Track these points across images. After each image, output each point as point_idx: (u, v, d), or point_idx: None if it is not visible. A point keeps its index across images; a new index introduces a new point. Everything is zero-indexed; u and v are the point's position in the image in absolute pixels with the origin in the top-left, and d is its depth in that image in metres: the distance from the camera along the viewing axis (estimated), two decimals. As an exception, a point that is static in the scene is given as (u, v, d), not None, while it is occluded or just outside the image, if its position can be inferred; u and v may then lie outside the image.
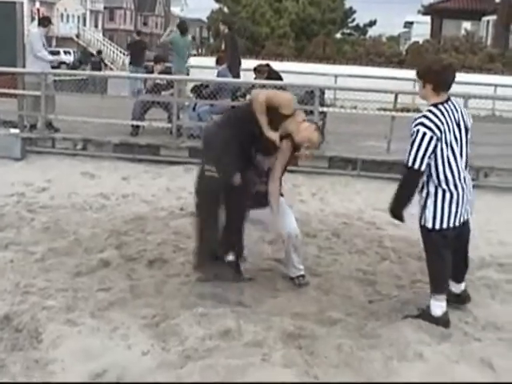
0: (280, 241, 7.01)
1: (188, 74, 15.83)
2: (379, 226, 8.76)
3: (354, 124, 14.53)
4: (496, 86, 19.39)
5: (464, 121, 5.51)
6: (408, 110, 16.46)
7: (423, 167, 5.38)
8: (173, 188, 10.34)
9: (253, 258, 6.91)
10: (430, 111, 5.39)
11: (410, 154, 5.39)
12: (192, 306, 5.63)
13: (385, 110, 14.33)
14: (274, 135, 6.00)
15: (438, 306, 5.56)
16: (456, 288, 5.96)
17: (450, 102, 5.49)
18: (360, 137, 13.42)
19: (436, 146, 5.34)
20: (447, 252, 5.56)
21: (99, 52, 44.70)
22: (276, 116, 6.02)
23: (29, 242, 7.30)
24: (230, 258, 6.40)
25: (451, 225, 5.49)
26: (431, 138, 5.31)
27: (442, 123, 5.33)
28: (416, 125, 5.37)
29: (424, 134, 5.32)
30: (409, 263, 7.25)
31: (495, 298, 6.34)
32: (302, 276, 6.47)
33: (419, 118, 5.40)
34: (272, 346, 5.00)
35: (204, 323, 5.32)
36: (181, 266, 6.70)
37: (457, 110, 5.47)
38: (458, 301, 5.97)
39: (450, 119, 5.39)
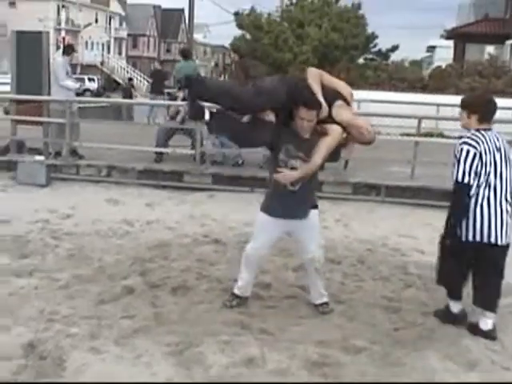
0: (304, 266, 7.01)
1: None
2: (404, 253, 8.71)
3: (377, 149, 14.45)
4: (520, 110, 19.29)
5: (505, 149, 5.85)
6: (432, 135, 16.46)
7: (472, 181, 5.75)
8: (196, 214, 10.34)
9: (277, 285, 6.90)
10: (473, 134, 5.83)
11: (457, 170, 5.76)
12: (216, 333, 5.62)
13: (408, 135, 14.31)
14: (323, 104, 5.78)
15: (455, 306, 6.16)
16: (473, 316, 6.12)
17: (491, 131, 5.89)
18: (384, 162, 13.38)
19: (478, 164, 5.72)
20: (464, 263, 5.99)
21: (130, 79, 45.22)
22: (332, 95, 5.89)
23: (53, 269, 7.32)
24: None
25: (477, 239, 5.83)
26: (475, 155, 5.70)
27: (483, 142, 5.74)
28: (460, 144, 5.78)
29: (468, 151, 5.72)
30: (434, 290, 7.15)
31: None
32: (326, 303, 6.43)
33: (463, 138, 5.83)
34: (296, 374, 4.98)
35: (228, 351, 5.31)
36: (204, 293, 6.69)
37: (497, 139, 5.85)
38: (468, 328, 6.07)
39: (491, 142, 5.78)
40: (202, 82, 6.09)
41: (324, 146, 5.82)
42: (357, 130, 5.90)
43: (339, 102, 5.90)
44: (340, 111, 5.87)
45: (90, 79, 56.36)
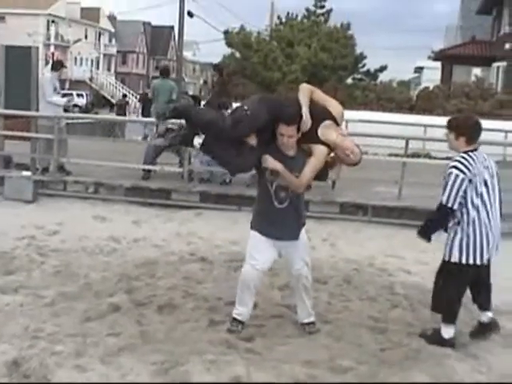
0: (290, 285, 7.01)
1: None
2: (391, 273, 8.73)
3: (364, 169, 14.50)
4: (506, 132, 19.42)
5: (492, 167, 6.09)
6: (419, 156, 16.50)
7: (456, 206, 5.95)
8: (183, 232, 10.33)
9: (263, 304, 6.89)
10: (462, 157, 5.97)
11: (444, 193, 5.97)
12: (202, 352, 5.60)
13: (396, 155, 14.36)
14: (307, 116, 5.77)
15: (447, 332, 6.16)
16: (484, 316, 6.36)
17: (478, 151, 6.06)
18: (371, 182, 13.41)
19: (467, 187, 5.91)
20: (464, 286, 6.25)
21: (124, 96, 45.25)
22: (320, 112, 5.88)
23: (39, 286, 7.28)
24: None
25: (477, 261, 6.04)
26: (463, 180, 5.88)
27: (472, 165, 5.91)
28: (450, 167, 5.95)
29: (456, 175, 5.89)
30: (420, 311, 7.19)
31: (509, 348, 6.26)
32: (313, 323, 6.41)
33: (453, 162, 6.00)
34: (282, 394, 4.96)
35: (214, 370, 5.29)
36: (191, 312, 6.67)
37: (485, 159, 6.07)
38: (486, 330, 6.34)
39: (480, 163, 5.96)
40: (186, 114, 6.08)
41: (308, 167, 5.81)
42: (342, 152, 5.88)
43: (327, 122, 5.88)
44: (327, 131, 5.86)
45: (78, 95, 56.24)
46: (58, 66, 13.94)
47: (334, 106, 6.04)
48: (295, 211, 6.10)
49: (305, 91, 5.98)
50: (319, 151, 5.84)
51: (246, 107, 5.88)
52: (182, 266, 8.40)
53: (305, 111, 5.82)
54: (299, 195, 6.07)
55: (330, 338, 6.22)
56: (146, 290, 7.30)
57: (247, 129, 5.86)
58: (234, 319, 6.28)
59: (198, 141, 5.92)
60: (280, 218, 6.01)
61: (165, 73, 14.93)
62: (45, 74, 14.50)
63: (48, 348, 5.53)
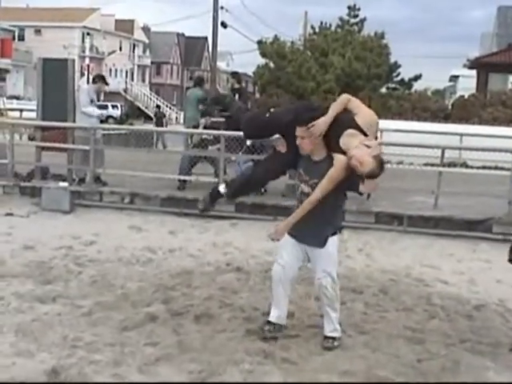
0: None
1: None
2: (427, 283, 8.66)
3: (400, 179, 14.48)
4: (544, 140, 19.22)
5: None
6: (455, 165, 16.37)
7: None
8: (219, 243, 10.36)
9: (299, 314, 6.88)
10: None
11: None
12: (238, 362, 5.60)
13: (431, 165, 14.28)
14: (323, 120, 5.77)
15: None
16: None
17: None
18: (406, 192, 13.33)
19: None
20: None
21: (158, 107, 45.58)
22: (345, 121, 5.79)
23: (76, 296, 7.34)
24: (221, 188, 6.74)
25: None
26: None
27: None
28: None
29: None
30: (458, 321, 7.14)
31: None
32: (333, 338, 6.21)
33: None
34: (319, 404, 4.94)
35: (250, 380, 5.31)
36: (227, 322, 6.68)
37: None
38: None
39: None
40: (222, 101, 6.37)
41: (326, 178, 5.77)
42: (351, 161, 5.69)
43: (350, 131, 5.74)
44: (348, 140, 5.72)
45: (113, 106, 56.70)
46: (97, 79, 14.08)
47: (363, 114, 5.88)
48: (321, 217, 5.99)
49: (341, 99, 5.96)
50: (338, 161, 5.75)
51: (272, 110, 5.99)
52: (217, 276, 8.41)
53: (325, 116, 5.79)
54: (328, 202, 5.92)
55: (367, 348, 6.19)
56: (182, 299, 7.33)
57: (261, 125, 6.06)
58: (268, 322, 6.30)
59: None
60: (302, 222, 5.97)
61: (197, 82, 15.19)
62: (81, 85, 14.64)
63: (86, 357, 5.57)
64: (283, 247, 6.24)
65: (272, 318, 6.29)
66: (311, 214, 5.92)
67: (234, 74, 15.73)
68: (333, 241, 6.15)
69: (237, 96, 14.72)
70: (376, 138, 6.11)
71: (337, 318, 6.27)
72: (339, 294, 6.31)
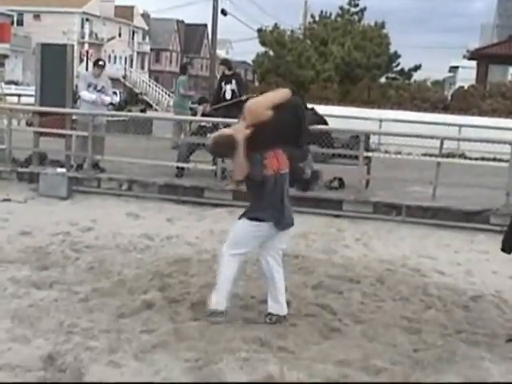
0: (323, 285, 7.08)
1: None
2: (424, 274, 8.66)
3: (398, 169, 14.48)
4: (543, 132, 19.19)
5: None
6: (454, 156, 16.37)
7: None
8: (216, 230, 10.34)
9: (296, 303, 6.88)
10: None
11: None
12: (235, 350, 5.59)
13: (430, 155, 14.27)
14: None
15: None
16: None
17: None
18: (405, 182, 13.34)
19: None
20: None
21: (142, 110, 45.48)
22: None
23: (73, 282, 7.34)
24: None
25: None
26: None
27: None
28: None
29: None
30: (454, 312, 7.14)
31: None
32: (271, 315, 6.45)
33: None
34: (315, 393, 4.94)
35: (247, 368, 5.28)
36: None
37: None
38: None
39: None
40: None
41: None
42: None
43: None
44: None
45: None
46: (94, 63, 14.15)
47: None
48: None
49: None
50: None
51: None
52: (214, 264, 8.34)
53: None
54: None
55: (364, 338, 6.19)
56: (179, 287, 7.32)
57: None
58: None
59: None
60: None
61: (181, 69, 15.68)
62: (80, 71, 14.63)
63: (82, 343, 5.56)
64: None
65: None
66: None
67: (224, 61, 15.88)
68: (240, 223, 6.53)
69: (233, 82, 14.68)
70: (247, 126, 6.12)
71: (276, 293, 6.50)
72: None
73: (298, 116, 6.22)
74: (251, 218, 6.41)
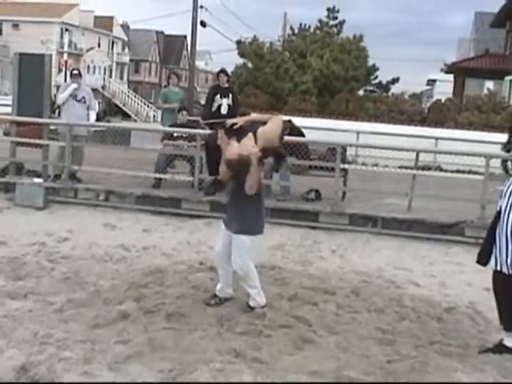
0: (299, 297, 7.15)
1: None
2: (399, 285, 8.72)
3: (375, 181, 14.55)
4: (518, 145, 19.34)
5: None
6: (429, 169, 16.46)
7: None
8: (193, 241, 10.35)
9: (271, 314, 6.90)
10: None
11: None
12: (209, 361, 5.61)
13: (406, 167, 14.34)
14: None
15: (511, 341, 6.28)
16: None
17: None
18: (381, 194, 13.41)
19: None
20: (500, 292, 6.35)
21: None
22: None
23: (48, 292, 7.32)
24: None
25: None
26: None
27: None
28: None
29: None
30: (428, 323, 7.19)
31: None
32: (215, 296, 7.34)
33: None
34: (288, 404, 4.96)
35: (221, 379, 5.31)
36: (199, 321, 6.68)
37: None
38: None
39: None
40: None
41: None
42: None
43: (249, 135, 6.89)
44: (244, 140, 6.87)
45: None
46: (70, 73, 14.20)
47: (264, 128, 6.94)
48: (234, 206, 7.26)
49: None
50: None
51: None
52: (190, 275, 8.41)
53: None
54: (239, 193, 7.01)
55: (338, 348, 6.22)
56: (154, 298, 7.32)
57: None
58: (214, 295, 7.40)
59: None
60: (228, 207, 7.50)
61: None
62: (58, 81, 14.64)
63: (56, 354, 5.55)
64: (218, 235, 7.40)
65: (216, 291, 7.35)
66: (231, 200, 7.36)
67: (224, 71, 15.45)
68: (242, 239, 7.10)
69: (230, 96, 14.53)
70: (262, 150, 6.84)
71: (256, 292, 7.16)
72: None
73: None
74: (254, 234, 7.17)
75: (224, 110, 14.33)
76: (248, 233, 7.08)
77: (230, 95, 14.56)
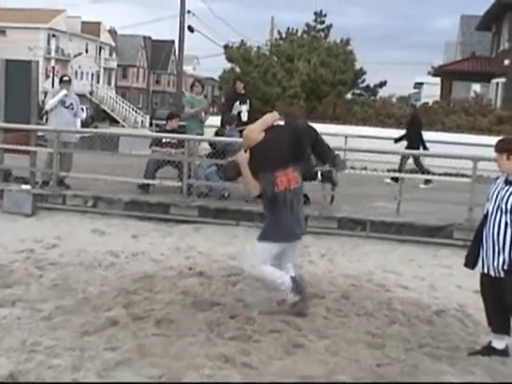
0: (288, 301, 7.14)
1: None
2: (388, 289, 8.73)
3: (363, 185, 14.59)
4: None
5: None
6: (417, 172, 16.50)
7: None
8: (182, 247, 10.34)
9: (261, 319, 6.89)
10: None
11: None
12: (198, 366, 5.60)
13: (394, 171, 14.39)
14: None
15: (498, 342, 6.34)
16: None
17: None
18: (369, 198, 13.41)
19: None
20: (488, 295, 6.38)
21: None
22: None
23: (37, 300, 7.29)
24: None
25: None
26: None
27: None
28: None
29: None
30: (418, 326, 7.20)
31: (508, 365, 6.25)
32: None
33: None
34: (278, 409, 4.95)
35: (210, 385, 5.29)
36: (188, 327, 6.67)
37: None
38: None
39: None
40: None
41: None
42: None
43: None
44: None
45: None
46: (60, 80, 14.22)
47: None
48: None
49: None
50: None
51: None
52: (180, 281, 8.39)
53: None
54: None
55: (327, 353, 6.22)
56: (143, 304, 7.30)
57: None
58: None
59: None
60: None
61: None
62: (45, 87, 14.61)
63: (45, 362, 5.53)
64: None
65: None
66: None
67: (239, 79, 15.39)
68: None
69: (248, 102, 14.42)
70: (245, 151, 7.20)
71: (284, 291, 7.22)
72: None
73: (297, 135, 7.19)
74: (268, 240, 7.11)
75: (244, 117, 14.27)
76: (262, 239, 7.17)
77: (248, 102, 14.51)
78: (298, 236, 7.33)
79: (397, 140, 17.11)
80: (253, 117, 13.58)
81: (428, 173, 15.75)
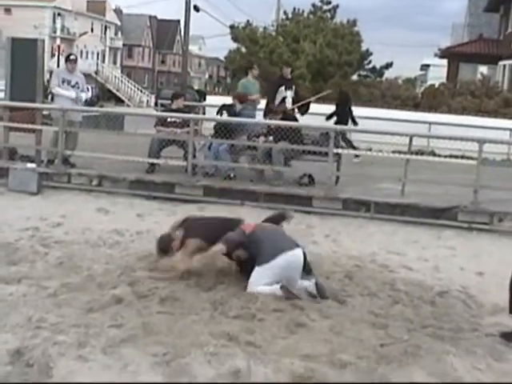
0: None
1: None
2: (392, 269, 8.75)
3: (368, 166, 14.58)
4: (511, 130, 19.39)
5: None
6: (423, 153, 16.49)
7: None
8: (186, 226, 10.34)
9: (264, 298, 6.92)
10: None
11: None
12: (203, 344, 5.63)
13: (399, 152, 14.37)
14: None
15: None
16: None
17: None
18: (374, 179, 13.41)
19: None
20: None
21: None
22: None
23: (42, 277, 7.32)
24: None
25: None
26: None
27: None
28: None
29: None
30: (421, 307, 7.22)
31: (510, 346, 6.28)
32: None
33: None
34: (281, 387, 4.99)
35: (214, 363, 5.32)
36: (192, 305, 6.70)
37: None
38: None
39: None
40: None
41: None
42: None
43: None
44: None
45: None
46: (66, 59, 14.19)
47: None
48: None
49: None
50: None
51: None
52: (184, 260, 8.41)
53: None
54: None
55: (331, 332, 6.24)
56: (148, 282, 7.32)
57: None
58: None
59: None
60: None
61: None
62: (51, 66, 14.59)
63: (51, 338, 5.56)
64: None
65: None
66: None
67: (288, 64, 15.27)
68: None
69: (293, 88, 14.34)
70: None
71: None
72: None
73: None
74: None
75: (288, 104, 14.19)
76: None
77: (293, 88, 14.43)
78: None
79: (328, 117, 18.20)
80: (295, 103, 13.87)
81: (354, 148, 16.52)
